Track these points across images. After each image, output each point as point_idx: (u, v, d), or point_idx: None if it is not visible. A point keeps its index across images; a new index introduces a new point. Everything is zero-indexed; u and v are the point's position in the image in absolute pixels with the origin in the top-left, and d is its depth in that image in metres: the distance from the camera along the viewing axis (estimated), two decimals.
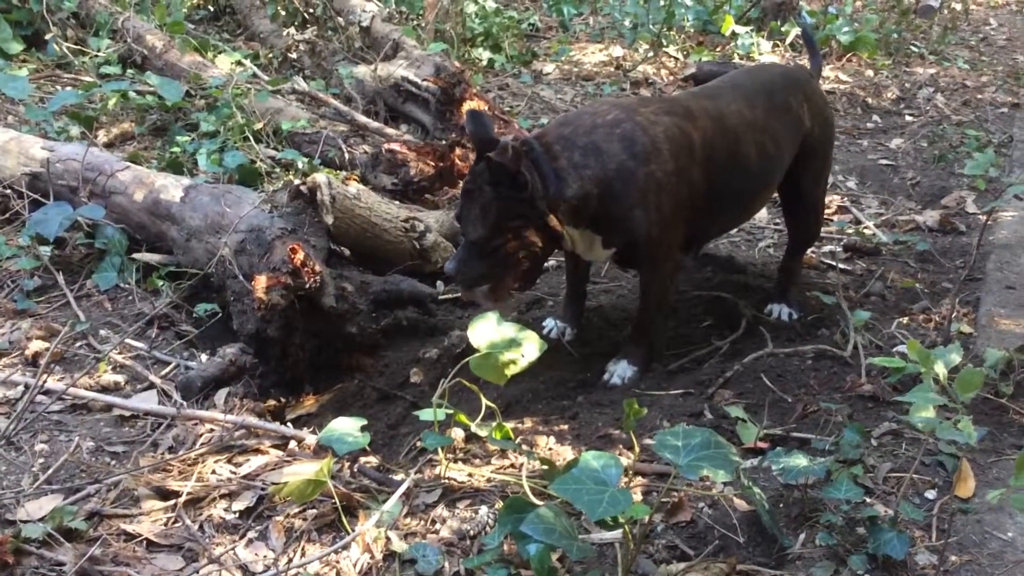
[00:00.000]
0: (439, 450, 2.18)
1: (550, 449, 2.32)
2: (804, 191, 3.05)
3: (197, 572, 1.90)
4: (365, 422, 2.09)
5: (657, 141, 2.52)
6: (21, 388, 2.56)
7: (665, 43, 6.60)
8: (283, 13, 6.19)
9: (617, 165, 2.49)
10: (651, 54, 6.43)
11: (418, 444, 2.31)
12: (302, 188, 2.83)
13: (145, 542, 1.99)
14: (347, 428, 2.05)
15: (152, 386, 2.67)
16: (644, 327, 2.76)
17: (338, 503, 2.00)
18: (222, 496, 2.14)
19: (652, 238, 2.57)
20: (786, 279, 3.15)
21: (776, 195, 3.16)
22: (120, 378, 2.69)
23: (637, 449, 2.14)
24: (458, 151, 4.08)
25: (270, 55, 5.60)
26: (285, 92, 4.70)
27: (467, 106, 4.48)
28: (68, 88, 4.69)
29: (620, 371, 2.68)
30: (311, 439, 2.37)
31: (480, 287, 2.53)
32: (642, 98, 2.77)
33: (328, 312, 2.65)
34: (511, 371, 2.14)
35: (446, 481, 2.16)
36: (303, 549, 1.96)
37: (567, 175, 2.46)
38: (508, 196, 2.39)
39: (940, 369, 1.83)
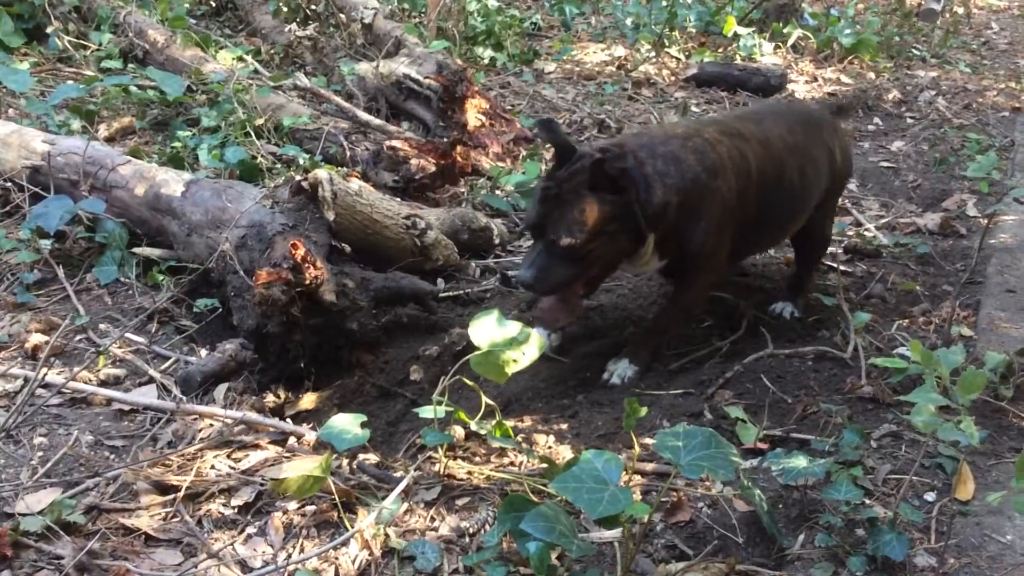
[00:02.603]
0: (439, 447, 2.18)
1: (549, 448, 2.32)
2: (818, 221, 3.10)
3: (196, 567, 1.90)
4: (365, 419, 2.09)
5: (723, 159, 2.63)
6: (20, 381, 2.56)
7: (667, 43, 6.60)
8: (285, 9, 6.18)
9: (694, 176, 2.56)
10: (653, 54, 6.43)
11: (418, 441, 2.31)
12: (304, 184, 2.82)
13: (144, 536, 1.99)
14: (347, 424, 2.05)
15: (152, 380, 2.66)
16: (658, 330, 2.77)
17: (337, 499, 1.99)
18: (221, 491, 2.14)
19: (705, 251, 2.66)
20: (798, 286, 3.19)
21: None
22: (120, 372, 2.68)
23: (637, 448, 2.14)
24: (459, 149, 4.08)
25: (272, 51, 5.59)
26: (286, 88, 4.69)
27: (469, 104, 4.48)
28: (69, 82, 4.68)
29: (620, 371, 2.68)
30: (311, 435, 2.37)
31: (551, 298, 2.56)
32: (699, 121, 2.91)
33: (329, 308, 2.65)
34: (511, 369, 2.14)
35: (445, 479, 2.16)
36: (302, 545, 1.96)
37: (654, 182, 2.51)
38: (608, 200, 2.43)
39: (943, 370, 1.83)
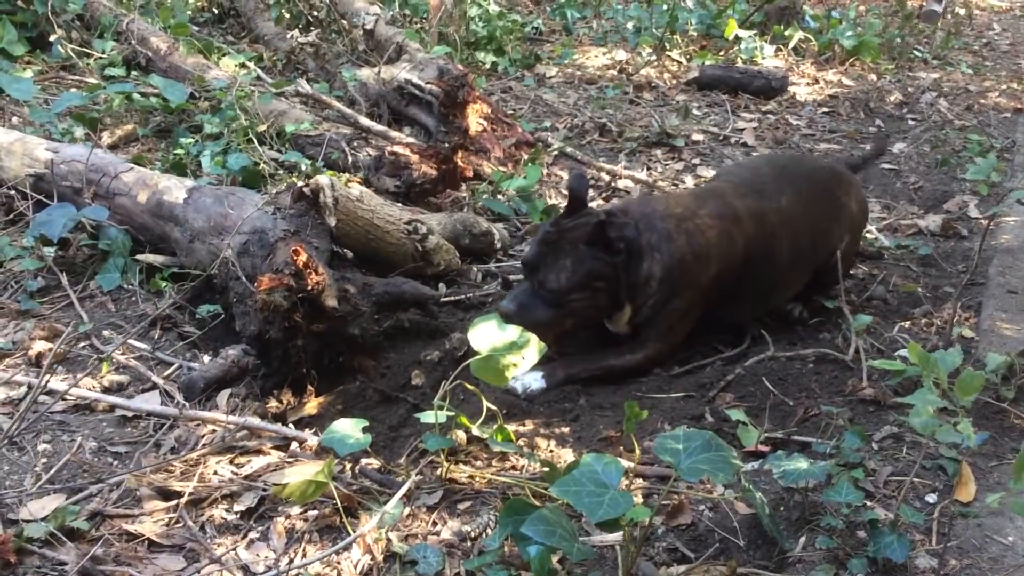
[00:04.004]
0: (440, 452, 2.19)
1: (551, 451, 2.33)
2: (832, 264, 3.07)
3: (198, 572, 1.91)
4: (367, 423, 2.10)
5: (710, 245, 2.75)
6: (24, 388, 2.57)
7: (668, 47, 6.61)
8: (287, 16, 6.20)
9: (680, 257, 2.70)
10: (654, 58, 6.43)
11: (420, 446, 2.32)
12: (305, 190, 2.83)
13: (147, 542, 2.00)
14: (349, 429, 2.06)
15: (155, 387, 2.66)
16: (586, 367, 2.73)
17: (339, 504, 2.00)
18: (224, 497, 2.14)
19: (665, 329, 2.76)
20: (807, 293, 3.20)
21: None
22: (123, 378, 2.69)
23: (638, 451, 2.14)
24: (461, 153, 4.09)
25: (274, 57, 5.61)
26: (289, 94, 4.71)
27: (470, 109, 4.49)
28: (72, 90, 4.70)
29: (527, 381, 2.63)
30: (313, 440, 2.38)
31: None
32: (699, 195, 3.00)
33: (330, 314, 2.65)
34: (511, 374, 2.14)
35: (447, 483, 2.16)
36: (304, 550, 1.97)
37: (645, 254, 2.68)
38: (600, 258, 2.61)
39: (940, 372, 1.83)
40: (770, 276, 2.93)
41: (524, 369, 2.27)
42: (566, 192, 2.80)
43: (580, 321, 2.72)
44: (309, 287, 2.57)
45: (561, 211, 2.82)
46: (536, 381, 2.64)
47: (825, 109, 5.81)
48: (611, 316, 2.76)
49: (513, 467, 2.26)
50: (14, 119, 4.36)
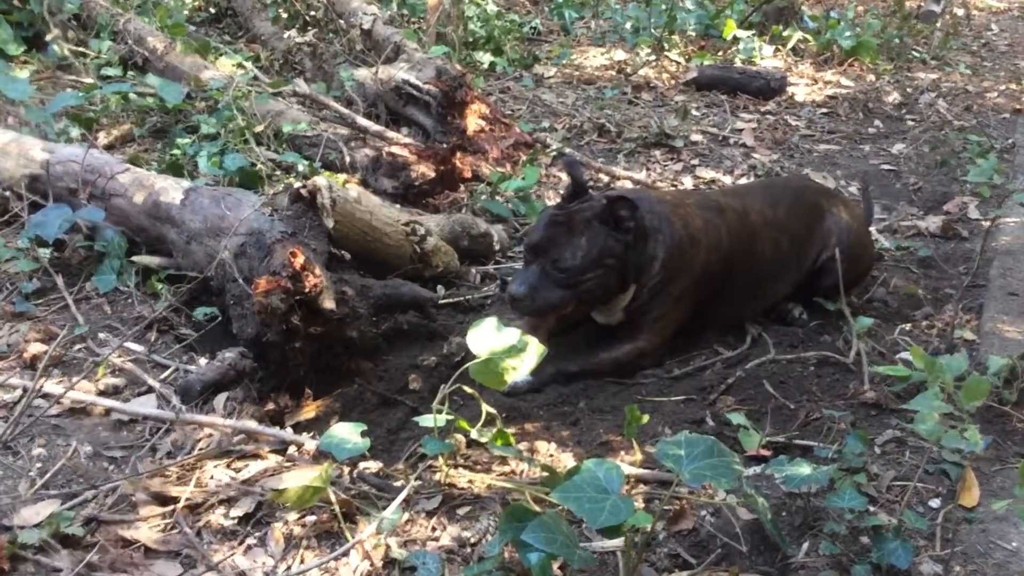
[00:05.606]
0: (439, 456, 2.17)
1: (551, 456, 2.31)
2: (825, 274, 3.07)
3: None
4: (365, 427, 2.08)
5: (699, 231, 2.81)
6: (19, 391, 2.54)
7: (667, 47, 6.60)
8: (284, 16, 6.18)
9: (679, 239, 2.75)
10: (653, 58, 6.42)
11: (419, 450, 2.30)
12: (302, 191, 2.81)
13: (143, 548, 1.98)
14: (347, 433, 2.04)
15: (151, 390, 2.64)
16: (579, 364, 2.72)
17: (337, 509, 1.98)
18: (221, 502, 2.12)
19: (657, 318, 2.76)
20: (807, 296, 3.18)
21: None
22: (119, 382, 2.67)
23: (639, 456, 2.13)
24: (459, 154, 4.07)
25: (271, 57, 5.59)
26: (286, 95, 4.69)
27: (468, 109, 4.47)
28: (69, 90, 4.68)
29: (514, 377, 2.62)
30: (311, 444, 2.35)
31: (525, 323, 2.65)
32: (682, 191, 3.20)
33: (328, 316, 2.63)
34: (511, 377, 2.12)
35: (446, 488, 2.14)
36: (302, 556, 1.95)
37: (650, 234, 2.72)
38: (613, 236, 2.63)
39: (947, 378, 1.82)
40: (755, 274, 2.95)
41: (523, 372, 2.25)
42: (567, 177, 2.84)
43: (587, 303, 2.71)
44: (307, 289, 2.55)
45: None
46: (523, 376, 2.61)
47: (824, 110, 5.80)
48: (611, 300, 2.75)
49: (513, 472, 2.24)
50: (10, 119, 4.33)
